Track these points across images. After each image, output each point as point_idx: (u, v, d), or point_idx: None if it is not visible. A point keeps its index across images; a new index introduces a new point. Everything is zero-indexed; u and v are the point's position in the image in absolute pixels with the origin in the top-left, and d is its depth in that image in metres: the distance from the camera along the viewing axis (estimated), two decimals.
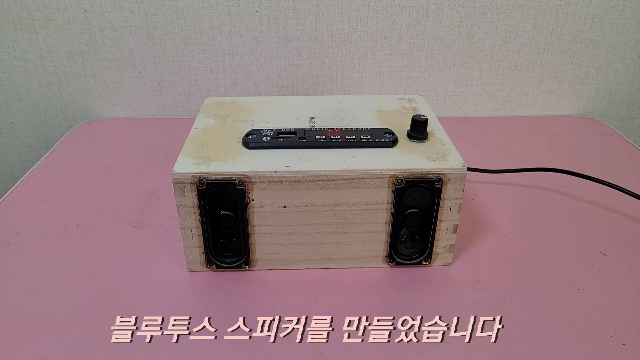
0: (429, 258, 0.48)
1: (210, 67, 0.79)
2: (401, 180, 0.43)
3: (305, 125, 0.50)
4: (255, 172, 0.42)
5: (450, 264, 0.49)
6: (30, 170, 0.66)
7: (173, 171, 0.42)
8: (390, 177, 0.43)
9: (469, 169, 0.62)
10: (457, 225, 0.46)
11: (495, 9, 0.76)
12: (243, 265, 0.47)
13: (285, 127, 0.49)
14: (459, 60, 0.80)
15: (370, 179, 0.43)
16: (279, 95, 0.81)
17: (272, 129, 0.49)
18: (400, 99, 0.58)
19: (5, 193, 0.62)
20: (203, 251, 0.46)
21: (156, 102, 0.82)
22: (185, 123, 0.80)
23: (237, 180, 0.42)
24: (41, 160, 0.69)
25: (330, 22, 0.76)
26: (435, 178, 0.43)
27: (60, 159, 0.69)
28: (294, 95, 0.81)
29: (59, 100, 0.81)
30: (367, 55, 0.79)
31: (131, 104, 0.82)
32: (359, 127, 0.49)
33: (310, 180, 0.43)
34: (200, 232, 0.45)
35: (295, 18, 0.75)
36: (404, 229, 0.46)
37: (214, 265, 0.47)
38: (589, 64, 0.81)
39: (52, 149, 0.72)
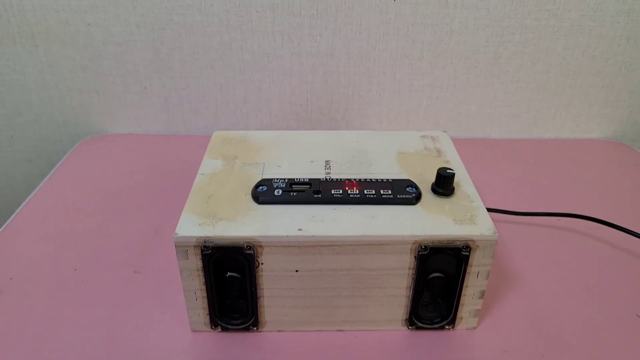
0: (452, 322, 0.44)
1: (220, 84, 0.75)
2: (425, 247, 0.39)
3: (321, 171, 0.47)
4: (265, 236, 0.39)
5: (474, 327, 0.45)
6: (27, 199, 0.63)
7: (175, 234, 0.39)
8: (413, 244, 0.39)
9: (495, 210, 0.58)
10: (484, 290, 0.42)
11: (524, 28, 0.70)
12: (251, 327, 0.44)
13: (298, 176, 0.45)
14: (484, 81, 0.75)
15: (391, 245, 0.39)
16: (292, 113, 0.77)
17: (284, 179, 0.45)
18: (422, 136, 0.53)
19: (5, 214, 0.59)
20: (208, 312, 0.43)
21: (162, 119, 0.78)
22: (193, 140, 0.77)
23: (245, 245, 0.39)
24: (41, 184, 0.66)
25: (348, 39, 0.71)
26: (462, 245, 0.39)
27: (60, 182, 0.66)
28: (307, 113, 0.77)
29: (61, 115, 0.77)
30: (386, 74, 0.74)
31: (136, 120, 0.78)
32: (379, 177, 0.45)
33: (325, 245, 0.39)
34: (205, 295, 0.42)
35: (311, 34, 0.71)
36: (425, 293, 0.43)
37: (220, 327, 0.43)
38: (622, 86, 0.75)
39: (54, 169, 0.69)
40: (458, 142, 0.77)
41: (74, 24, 0.69)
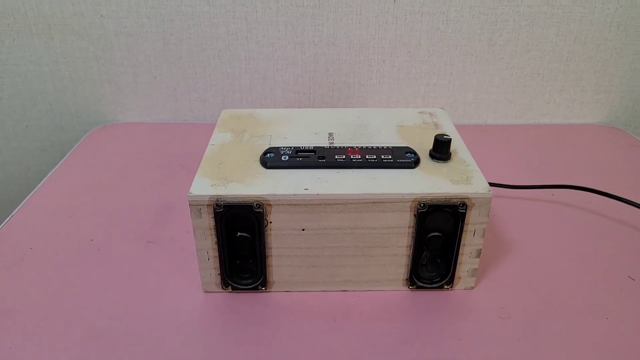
0: (450, 282, 0.46)
1: (226, 73, 0.78)
2: (424, 204, 0.42)
3: (324, 142, 0.49)
4: (274, 195, 0.41)
5: (472, 287, 0.47)
6: (44, 179, 0.66)
7: (190, 193, 0.41)
8: (412, 202, 0.42)
9: (491, 184, 0.60)
10: (480, 249, 0.45)
11: (518, 16, 0.73)
12: (259, 287, 0.46)
13: (303, 145, 0.48)
14: (479, 68, 0.78)
15: (391, 202, 0.42)
16: (295, 101, 0.80)
17: (290, 147, 0.47)
18: (421, 112, 0.56)
19: (20, 201, 0.62)
20: (219, 272, 0.45)
21: (171, 107, 0.81)
22: (200, 128, 0.80)
23: (255, 203, 0.41)
24: (55, 168, 0.68)
25: (348, 29, 0.74)
26: (459, 203, 0.42)
27: (74, 166, 0.69)
28: (310, 101, 0.80)
29: (74, 105, 0.80)
30: (386, 62, 0.77)
31: (146, 109, 0.81)
32: (380, 145, 0.48)
33: (329, 204, 0.42)
34: (217, 254, 0.44)
35: (313, 24, 0.74)
36: (425, 252, 0.45)
37: (230, 287, 0.46)
38: (613, 72, 0.78)
39: (67, 155, 0.72)
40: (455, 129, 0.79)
41: (89, 15, 0.73)
